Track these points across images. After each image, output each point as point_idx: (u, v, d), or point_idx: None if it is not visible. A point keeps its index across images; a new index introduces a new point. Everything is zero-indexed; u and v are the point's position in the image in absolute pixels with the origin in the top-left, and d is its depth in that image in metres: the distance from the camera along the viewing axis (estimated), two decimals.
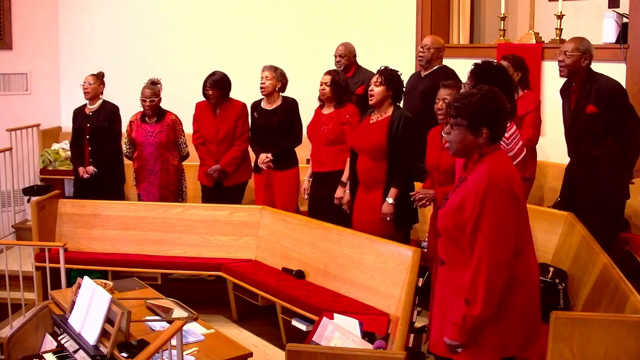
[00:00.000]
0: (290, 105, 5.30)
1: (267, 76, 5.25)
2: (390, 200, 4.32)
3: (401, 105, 4.65)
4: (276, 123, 5.24)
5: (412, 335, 3.58)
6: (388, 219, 4.33)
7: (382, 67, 4.44)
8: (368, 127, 4.45)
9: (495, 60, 4.60)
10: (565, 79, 4.43)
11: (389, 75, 4.37)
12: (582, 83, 4.29)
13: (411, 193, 4.13)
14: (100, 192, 5.54)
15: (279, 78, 5.28)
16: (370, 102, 4.43)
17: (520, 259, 2.74)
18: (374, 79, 4.41)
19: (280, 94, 5.34)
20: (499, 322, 2.70)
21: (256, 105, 5.40)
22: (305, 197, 5.11)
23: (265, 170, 5.29)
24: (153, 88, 5.43)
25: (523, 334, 2.78)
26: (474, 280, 2.64)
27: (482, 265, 2.63)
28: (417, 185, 4.42)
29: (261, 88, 5.26)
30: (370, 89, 4.42)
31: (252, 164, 5.45)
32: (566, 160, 4.59)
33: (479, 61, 3.95)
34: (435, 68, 5.27)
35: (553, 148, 5.43)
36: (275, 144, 5.25)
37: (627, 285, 3.13)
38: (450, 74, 5.03)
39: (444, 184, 3.92)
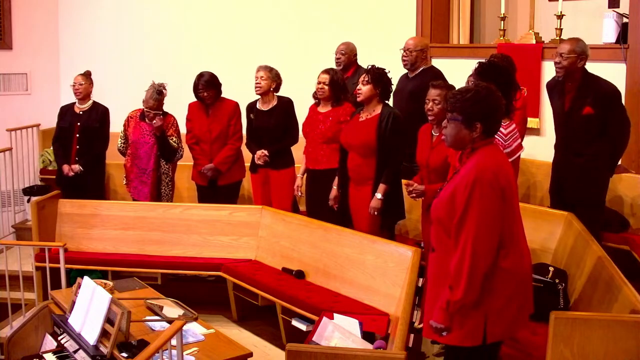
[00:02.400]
0: (286, 105, 5.31)
1: (262, 76, 5.24)
2: (378, 195, 4.40)
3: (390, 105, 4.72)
4: (273, 124, 5.24)
5: (412, 335, 3.59)
6: (375, 213, 4.41)
7: (369, 66, 4.54)
8: (357, 124, 4.52)
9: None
10: (552, 76, 4.51)
11: (375, 74, 4.46)
12: (578, 84, 4.34)
13: (406, 185, 4.20)
14: (82, 190, 5.55)
15: (274, 78, 5.28)
16: (358, 99, 4.54)
17: (510, 249, 2.83)
18: (362, 77, 4.52)
19: (275, 94, 5.34)
20: (484, 309, 2.81)
21: (252, 106, 5.40)
22: (299, 194, 5.12)
23: (262, 169, 5.29)
24: (159, 99, 5.37)
25: (507, 322, 2.87)
26: (458, 268, 2.76)
27: (466, 254, 2.74)
28: (404, 182, 4.47)
29: (256, 88, 5.26)
30: (358, 87, 4.53)
31: (249, 164, 5.43)
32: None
33: (483, 60, 3.99)
34: (422, 69, 5.30)
35: (552, 148, 5.43)
36: (272, 144, 5.25)
37: (620, 277, 3.19)
38: (438, 75, 5.07)
39: (434, 181, 4.06)
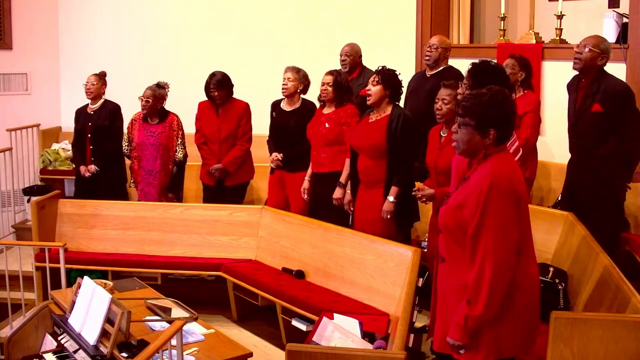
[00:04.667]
0: (308, 109, 5.23)
1: (290, 77, 5.19)
2: (391, 198, 4.33)
3: (405, 104, 4.65)
4: (293, 125, 5.20)
5: (412, 335, 3.59)
6: (388, 217, 4.35)
7: (380, 67, 4.49)
8: (367, 126, 4.47)
9: (495, 60, 4.60)
10: (576, 73, 4.43)
11: (386, 75, 4.41)
12: (591, 81, 4.28)
13: (413, 190, 4.15)
14: (102, 191, 5.55)
15: (301, 80, 5.22)
16: (368, 102, 4.47)
17: (521, 261, 2.73)
18: (372, 78, 4.45)
19: (301, 96, 5.30)
20: (496, 324, 2.71)
21: (275, 104, 5.37)
22: (305, 197, 5.10)
23: (278, 171, 5.27)
24: (153, 89, 5.42)
25: (520, 337, 2.78)
26: (478, 281, 2.64)
27: (486, 265, 2.62)
28: (417, 184, 4.43)
29: (283, 89, 5.21)
30: (367, 88, 4.47)
31: (268, 164, 5.39)
32: (567, 160, 4.59)
33: (476, 61, 3.97)
34: (441, 68, 5.26)
35: (554, 148, 5.43)
36: (290, 145, 5.21)
37: (628, 287, 3.14)
38: (457, 75, 5.01)
39: (442, 183, 3.94)
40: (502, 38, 6.17)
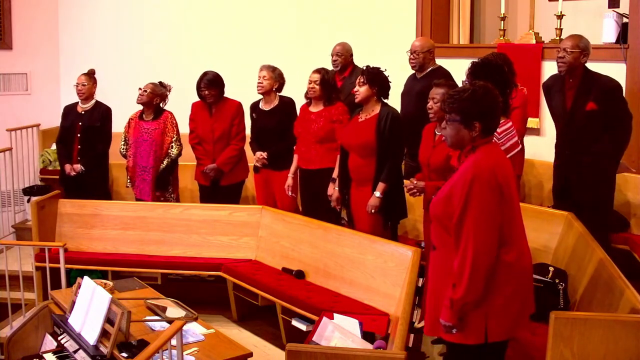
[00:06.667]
0: (287, 106, 5.28)
1: (265, 76, 5.23)
2: (377, 193, 4.39)
3: (399, 105, 4.67)
4: (274, 124, 5.23)
5: (412, 335, 3.59)
6: (373, 211, 4.40)
7: (365, 67, 4.54)
8: (357, 125, 4.52)
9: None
10: (549, 76, 4.55)
11: (370, 74, 4.45)
12: (579, 81, 4.34)
13: (406, 186, 4.20)
14: (85, 190, 5.55)
15: (277, 78, 5.27)
16: (356, 101, 4.54)
17: (510, 248, 2.85)
18: (358, 79, 4.50)
19: (278, 94, 5.33)
20: (485, 307, 2.83)
21: (254, 106, 5.40)
22: (289, 194, 5.10)
23: (264, 170, 5.29)
24: (155, 85, 5.46)
25: (509, 320, 2.88)
26: (460, 266, 2.78)
27: (467, 252, 2.76)
28: (406, 182, 4.47)
29: (258, 87, 5.25)
30: (355, 89, 4.52)
31: (253, 164, 5.44)
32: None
33: (476, 59, 4.00)
34: (430, 69, 5.27)
35: (552, 148, 5.42)
36: (273, 145, 5.25)
37: (622, 280, 3.18)
38: (446, 75, 5.04)
39: (434, 180, 4.04)
40: (502, 38, 6.17)
